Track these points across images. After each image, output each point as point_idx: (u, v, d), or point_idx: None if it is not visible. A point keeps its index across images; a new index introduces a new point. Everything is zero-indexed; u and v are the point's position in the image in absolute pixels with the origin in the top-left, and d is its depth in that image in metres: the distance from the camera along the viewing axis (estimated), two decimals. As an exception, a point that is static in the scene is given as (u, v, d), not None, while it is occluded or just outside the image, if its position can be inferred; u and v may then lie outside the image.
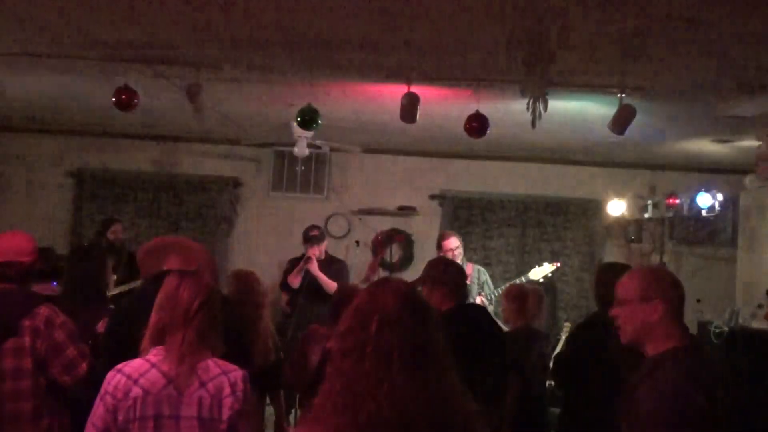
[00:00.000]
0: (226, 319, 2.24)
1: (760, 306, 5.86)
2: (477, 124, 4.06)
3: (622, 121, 3.99)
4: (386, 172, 7.39)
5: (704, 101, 4.18)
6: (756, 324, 5.75)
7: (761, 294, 6.21)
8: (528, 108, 3.10)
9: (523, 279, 5.47)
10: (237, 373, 2.12)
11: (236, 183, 7.17)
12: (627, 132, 4.09)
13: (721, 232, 7.26)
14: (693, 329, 6.20)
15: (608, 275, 2.89)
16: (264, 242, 7.08)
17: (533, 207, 7.37)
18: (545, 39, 2.81)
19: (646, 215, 6.77)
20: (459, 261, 5.16)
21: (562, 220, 7.37)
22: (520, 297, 3.75)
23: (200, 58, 3.71)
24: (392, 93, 4.11)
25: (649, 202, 6.71)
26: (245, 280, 3.30)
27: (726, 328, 5.65)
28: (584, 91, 4.00)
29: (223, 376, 2.09)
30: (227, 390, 2.07)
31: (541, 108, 3.13)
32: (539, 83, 2.98)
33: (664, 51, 3.21)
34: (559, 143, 6.27)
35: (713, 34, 2.94)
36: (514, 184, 7.36)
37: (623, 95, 3.91)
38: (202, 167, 7.13)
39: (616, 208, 6.90)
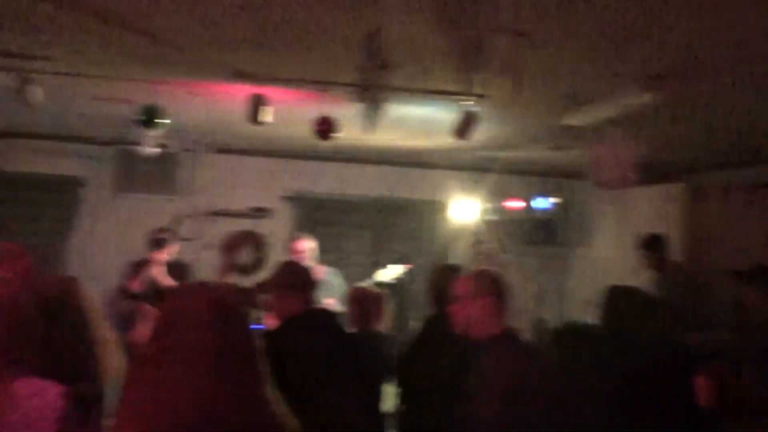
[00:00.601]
0: (51, 331, 2.08)
1: (590, 302, 6.31)
2: (325, 126, 4.06)
3: (464, 127, 4.12)
4: (239, 173, 7.24)
5: (540, 111, 4.41)
6: (588, 319, 6.13)
7: (593, 291, 6.75)
8: (364, 113, 3.14)
9: (371, 281, 5.51)
10: (53, 391, 1.90)
11: (77, 183, 6.77)
12: (471, 137, 4.22)
13: (559, 234, 7.64)
14: (529, 325, 6.64)
15: (440, 277, 3.06)
16: (107, 246, 6.71)
17: (385, 209, 7.49)
18: (382, 46, 2.86)
19: (491, 218, 7.08)
20: (310, 263, 5.14)
21: (412, 222, 7.53)
22: (361, 300, 3.75)
23: (31, 48, 3.44)
24: (240, 93, 4.02)
25: (494, 205, 7.01)
26: (62, 287, 3.07)
27: (557, 324, 5.88)
28: (428, 97, 4.10)
29: (35, 398, 1.86)
30: (41, 413, 1.84)
31: (377, 114, 3.17)
32: (375, 90, 3.02)
33: (499, 63, 3.34)
34: (409, 147, 6.40)
35: (549, 49, 3.08)
36: (367, 186, 7.45)
37: (465, 102, 4.04)
38: (38, 165, 6.68)
39: (463, 210, 7.12)
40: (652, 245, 5.07)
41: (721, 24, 2.67)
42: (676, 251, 5.39)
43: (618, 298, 3.05)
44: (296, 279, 2.99)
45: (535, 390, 2.23)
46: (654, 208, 5.78)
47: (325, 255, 7.13)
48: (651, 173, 6.32)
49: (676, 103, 3.91)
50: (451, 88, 3.83)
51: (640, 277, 5.15)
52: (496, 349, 2.37)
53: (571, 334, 5.53)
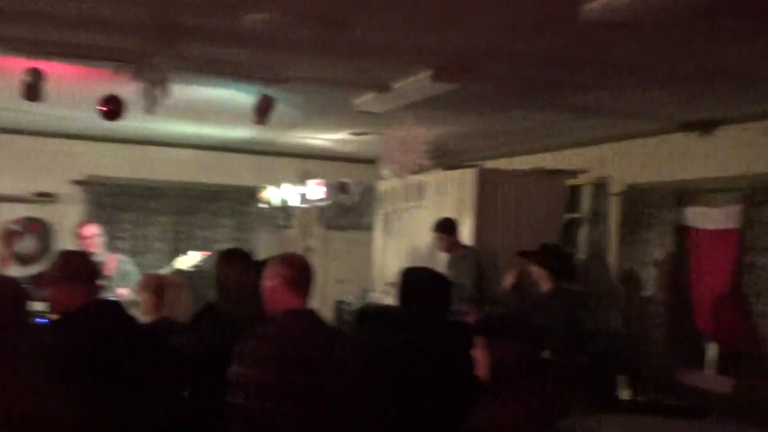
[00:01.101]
0: None
1: (390, 284, 6.44)
2: (112, 106, 3.81)
3: (262, 110, 4.06)
4: (23, 155, 6.63)
5: (340, 96, 4.46)
6: (387, 300, 6.19)
7: (392, 273, 6.96)
8: (144, 93, 2.97)
9: (168, 269, 5.31)
10: None
11: None
12: (272, 121, 4.18)
13: (363, 218, 7.84)
14: (332, 308, 6.78)
15: (224, 263, 3.06)
16: None
17: (188, 194, 7.24)
18: (167, 25, 2.72)
19: (296, 203, 7.06)
20: (97, 251, 4.82)
21: (216, 208, 7.35)
22: (157, 288, 3.58)
23: None
24: (14, 67, 3.66)
25: (298, 189, 6.99)
26: None
27: (355, 305, 6.14)
28: (224, 78, 3.99)
29: None
30: None
31: (159, 94, 3.02)
32: (156, 68, 2.87)
33: (299, 46, 3.32)
34: (211, 130, 6.23)
35: (348, 35, 3.10)
36: (168, 170, 7.16)
37: (263, 85, 3.98)
38: None
39: (269, 195, 7.06)
40: (444, 228, 5.33)
41: (506, 19, 2.79)
42: (471, 234, 5.70)
43: (410, 279, 3.15)
44: (75, 269, 2.74)
45: (318, 359, 2.41)
46: (453, 193, 6.07)
47: (123, 242, 6.80)
48: (449, 158, 6.76)
49: (466, 93, 4.09)
50: (248, 71, 3.74)
51: (437, 259, 5.43)
52: (286, 324, 2.48)
53: (370, 315, 5.87)
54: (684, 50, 3.14)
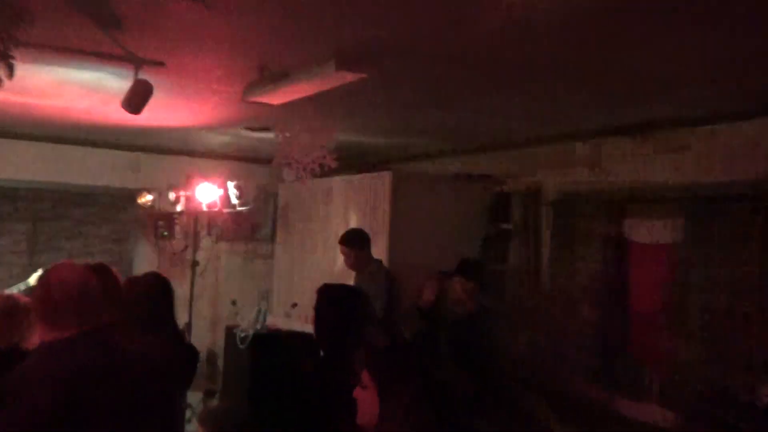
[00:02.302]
0: None
1: (294, 305, 6.40)
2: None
3: (136, 98, 3.93)
4: None
5: (229, 85, 4.37)
6: (290, 324, 6.30)
7: (298, 291, 6.94)
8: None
9: (23, 286, 5.09)
10: None
11: None
12: (151, 112, 4.06)
13: (262, 228, 7.80)
14: (221, 334, 6.66)
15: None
16: None
17: (50, 197, 6.95)
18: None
19: (179, 208, 6.95)
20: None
21: (84, 213, 7.11)
22: (6, 309, 3.37)
23: None
24: None
25: (182, 193, 6.86)
26: None
27: (251, 331, 6.03)
28: (90, 60, 3.85)
29: None
30: None
31: (2, 75, 2.88)
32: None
33: (180, 28, 3.23)
34: (77, 121, 5.99)
35: (231, 19, 3.03)
36: (25, 168, 6.81)
37: (136, 70, 3.87)
38: None
39: (149, 199, 6.91)
40: (352, 241, 5.31)
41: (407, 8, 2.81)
42: (384, 247, 5.71)
43: (325, 298, 3.14)
44: None
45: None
46: (364, 199, 6.08)
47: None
48: (358, 160, 6.73)
49: (375, 86, 4.09)
50: (119, 51, 3.62)
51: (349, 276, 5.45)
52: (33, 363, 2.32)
53: (265, 343, 5.82)
54: (597, 51, 3.26)
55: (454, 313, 4.67)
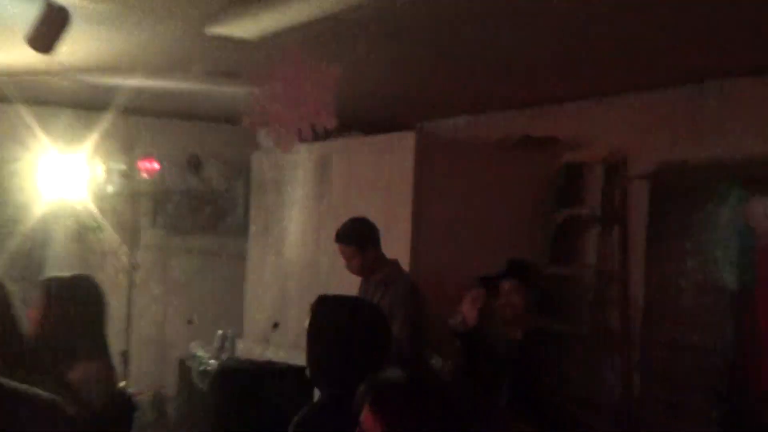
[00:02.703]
0: None
1: (275, 325, 6.54)
2: None
3: (46, 31, 3.94)
4: None
5: (183, 12, 4.34)
6: (271, 353, 6.45)
7: (281, 305, 6.96)
8: None
9: None
10: None
11: None
12: (57, 49, 4.07)
13: (230, 215, 7.88)
14: (172, 369, 6.81)
15: None
16: None
17: None
18: None
19: (112, 188, 7.04)
20: None
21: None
22: None
23: None
24: None
25: (117, 167, 7.01)
26: None
27: (214, 364, 6.15)
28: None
29: None
30: None
31: None
32: None
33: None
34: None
35: None
36: None
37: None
38: None
39: (61, 173, 6.90)
40: (352, 237, 5.25)
41: None
42: (404, 245, 5.72)
43: (323, 316, 3.10)
44: None
45: None
46: (375, 174, 6.09)
47: None
48: (367, 118, 6.69)
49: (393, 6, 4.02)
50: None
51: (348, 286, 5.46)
52: None
53: (236, 382, 5.81)
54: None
55: (504, 339, 4.71)
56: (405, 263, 5.51)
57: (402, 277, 5.27)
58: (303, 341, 3.08)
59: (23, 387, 2.29)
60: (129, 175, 7.03)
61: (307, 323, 3.09)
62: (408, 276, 5.31)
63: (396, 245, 5.58)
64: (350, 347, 3.00)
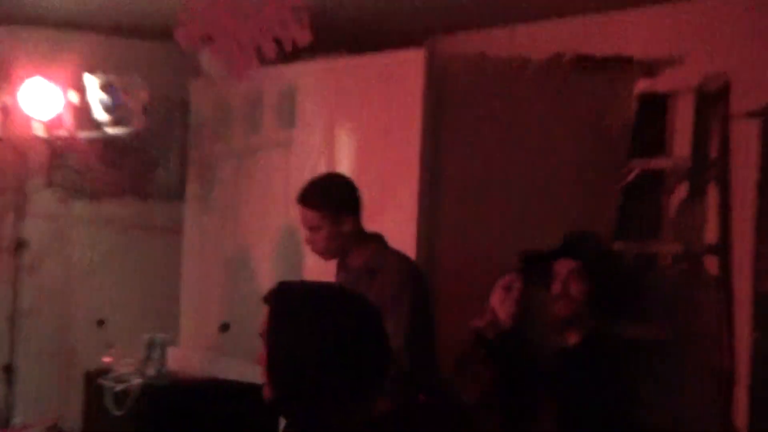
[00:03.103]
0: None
1: (225, 327, 6.65)
2: None
3: None
4: None
5: None
6: (216, 367, 6.62)
7: (231, 300, 7.11)
8: None
9: None
10: None
11: None
12: None
13: (158, 171, 7.93)
14: (77, 389, 6.89)
15: None
16: None
17: None
18: None
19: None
20: None
21: None
22: None
23: None
24: None
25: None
26: None
27: (137, 383, 6.23)
28: None
29: None
30: None
31: None
32: None
33: None
34: None
35: None
36: None
37: None
38: None
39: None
40: (322, 199, 5.27)
41: None
42: (408, 207, 5.74)
43: (286, 312, 3.03)
44: None
45: None
46: (369, 107, 6.12)
47: None
48: (355, 32, 6.66)
49: None
50: None
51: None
52: None
53: (167, 408, 6.19)
54: None
55: (554, 346, 4.75)
56: (409, 243, 5.58)
57: (393, 259, 5.30)
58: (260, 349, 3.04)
59: None
60: (10, 111, 7.01)
61: (262, 324, 3.04)
62: (402, 257, 5.35)
63: (396, 216, 5.67)
64: (329, 358, 2.93)
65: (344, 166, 5.57)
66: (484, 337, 4.69)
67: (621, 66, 6.13)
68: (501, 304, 4.67)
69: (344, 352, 2.92)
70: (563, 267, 4.66)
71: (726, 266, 5.70)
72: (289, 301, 3.05)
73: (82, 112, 6.97)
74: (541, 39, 6.48)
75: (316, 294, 3.12)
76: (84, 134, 7.08)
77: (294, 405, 2.96)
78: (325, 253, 5.38)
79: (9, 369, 6.73)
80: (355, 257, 5.27)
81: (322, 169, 5.53)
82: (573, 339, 4.62)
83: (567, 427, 4.46)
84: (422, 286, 5.23)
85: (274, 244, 6.77)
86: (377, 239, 5.38)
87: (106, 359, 6.65)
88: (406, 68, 5.88)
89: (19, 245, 7.18)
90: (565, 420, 4.47)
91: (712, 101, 5.81)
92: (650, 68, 6.06)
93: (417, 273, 5.24)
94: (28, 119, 6.93)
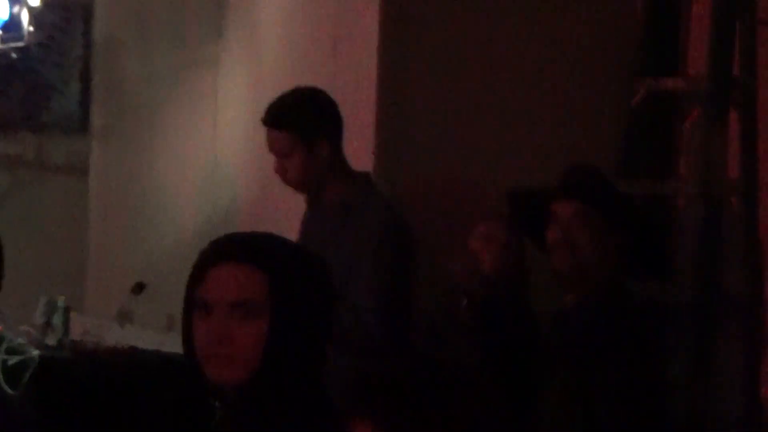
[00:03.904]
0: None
1: (139, 288, 6.43)
2: None
3: None
4: None
5: None
6: (136, 336, 6.43)
7: (150, 255, 7.10)
8: None
9: None
10: None
11: None
12: None
13: (56, 97, 7.80)
14: None
15: None
16: None
17: None
18: None
19: None
20: None
21: None
22: None
23: None
24: None
25: None
26: None
27: (33, 355, 6.23)
28: None
29: None
30: None
31: None
32: None
33: None
34: None
35: None
36: None
37: None
38: None
39: None
40: (300, 119, 5.18)
41: None
42: (365, 138, 5.64)
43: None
44: None
45: None
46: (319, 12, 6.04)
47: None
48: None
49: None
50: None
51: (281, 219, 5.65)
52: None
53: (71, 386, 6.04)
54: None
55: (553, 306, 4.72)
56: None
57: (374, 200, 5.27)
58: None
59: None
60: None
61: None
62: (386, 200, 5.37)
63: (350, 146, 5.50)
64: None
65: (286, 83, 5.48)
66: (469, 293, 4.68)
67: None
68: (482, 251, 4.68)
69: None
70: (564, 209, 4.50)
71: (752, 209, 5.58)
72: None
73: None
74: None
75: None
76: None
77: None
78: (298, 185, 5.35)
79: None
80: (331, 193, 5.23)
81: (254, 91, 5.16)
82: (576, 299, 4.54)
83: (576, 405, 4.39)
84: (404, 237, 5.22)
85: (198, 185, 6.73)
86: (362, 176, 5.39)
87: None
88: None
89: None
90: (574, 396, 4.40)
91: (735, 5, 5.58)
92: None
93: (400, 221, 5.23)
94: None
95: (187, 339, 3.01)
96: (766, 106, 5.59)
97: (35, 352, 6.17)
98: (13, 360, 6.16)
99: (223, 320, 2.91)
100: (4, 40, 6.92)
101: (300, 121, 5.19)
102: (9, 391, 6.01)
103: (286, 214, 5.58)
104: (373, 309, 4.92)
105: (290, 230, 5.16)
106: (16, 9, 6.91)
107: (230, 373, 2.96)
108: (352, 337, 4.92)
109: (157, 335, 6.27)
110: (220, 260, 3.00)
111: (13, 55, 7.05)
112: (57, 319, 6.36)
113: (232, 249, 3.08)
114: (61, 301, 6.42)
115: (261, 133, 5.43)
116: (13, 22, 6.89)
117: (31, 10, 7.00)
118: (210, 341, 2.92)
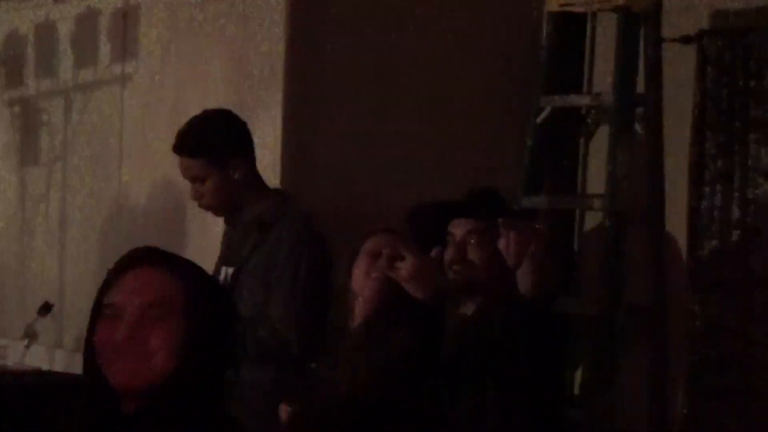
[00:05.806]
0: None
1: (46, 309, 6.61)
2: None
3: None
4: None
5: None
6: (41, 357, 6.49)
7: (56, 275, 7.08)
8: None
9: None
10: None
11: None
12: None
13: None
14: None
15: None
16: None
17: None
18: None
19: None
20: None
21: None
22: None
23: None
24: None
25: None
26: None
27: None
28: None
29: None
30: None
31: None
32: None
33: None
34: None
35: None
36: None
37: None
38: None
39: None
40: (210, 144, 5.26)
41: None
42: (271, 151, 5.76)
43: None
44: None
45: None
46: (220, 34, 6.07)
47: None
48: None
49: None
50: None
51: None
52: None
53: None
54: None
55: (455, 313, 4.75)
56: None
57: (290, 215, 5.39)
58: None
59: None
60: None
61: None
62: (303, 215, 5.44)
63: (260, 161, 5.59)
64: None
65: (194, 106, 5.54)
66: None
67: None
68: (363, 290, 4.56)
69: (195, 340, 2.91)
70: (459, 228, 4.67)
71: (658, 223, 5.74)
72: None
73: None
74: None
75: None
76: None
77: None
78: (215, 209, 5.43)
79: None
80: (248, 210, 5.32)
81: (163, 108, 5.30)
82: (468, 309, 4.66)
83: (485, 411, 4.43)
84: (321, 251, 5.28)
85: (108, 207, 6.70)
86: (277, 192, 5.47)
87: None
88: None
89: None
90: (480, 404, 4.44)
91: (639, 23, 5.81)
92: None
93: (317, 236, 5.29)
94: None
95: (90, 345, 2.81)
96: (671, 121, 5.73)
97: None
98: None
99: (136, 321, 2.84)
100: None
101: (212, 146, 5.27)
102: None
103: (199, 240, 5.69)
104: (289, 322, 5.04)
105: (205, 251, 5.40)
106: None
107: (141, 376, 2.82)
108: (270, 349, 5.08)
109: (65, 356, 6.32)
110: (136, 264, 2.98)
111: None
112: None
113: (147, 254, 3.05)
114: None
115: (170, 158, 5.52)
116: None
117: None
118: (121, 342, 2.80)
